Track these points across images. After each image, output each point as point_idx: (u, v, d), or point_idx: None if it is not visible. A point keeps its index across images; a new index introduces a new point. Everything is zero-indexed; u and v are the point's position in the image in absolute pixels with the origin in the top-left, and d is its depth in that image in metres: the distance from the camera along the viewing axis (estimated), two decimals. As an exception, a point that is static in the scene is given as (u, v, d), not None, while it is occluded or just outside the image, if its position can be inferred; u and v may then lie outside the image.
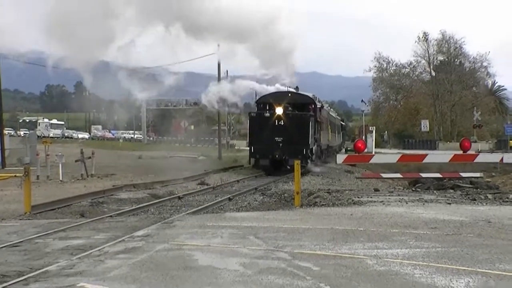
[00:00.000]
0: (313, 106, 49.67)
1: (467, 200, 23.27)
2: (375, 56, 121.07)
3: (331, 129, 64.94)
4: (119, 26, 43.09)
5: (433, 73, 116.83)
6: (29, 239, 15.57)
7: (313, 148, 48.15)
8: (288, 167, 42.84)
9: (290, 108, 47.29)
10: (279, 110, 45.43)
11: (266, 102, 48.48)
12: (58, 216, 21.65)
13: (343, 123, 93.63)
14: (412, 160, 27.46)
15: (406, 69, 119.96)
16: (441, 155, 27.53)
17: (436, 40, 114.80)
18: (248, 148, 48.14)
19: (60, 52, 42.73)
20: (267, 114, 46.21)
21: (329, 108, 69.34)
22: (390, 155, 32.40)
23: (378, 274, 10.98)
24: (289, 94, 49.07)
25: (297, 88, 53.47)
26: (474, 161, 24.24)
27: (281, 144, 45.07)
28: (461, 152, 22.86)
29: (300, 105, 48.61)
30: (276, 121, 45.40)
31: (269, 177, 42.55)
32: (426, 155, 24.74)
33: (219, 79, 70.91)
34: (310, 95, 51.98)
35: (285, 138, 45.00)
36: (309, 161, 45.85)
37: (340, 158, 23.36)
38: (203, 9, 46.56)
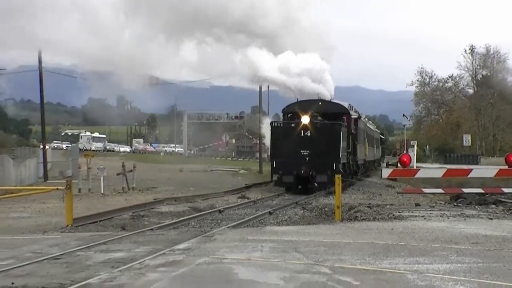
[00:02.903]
0: (347, 116, 45.08)
1: (509, 215, 23.06)
2: (418, 70, 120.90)
3: (369, 143, 59.21)
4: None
5: (476, 88, 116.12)
6: (71, 251, 15.64)
7: (345, 162, 42.82)
8: (316, 185, 39.73)
9: (319, 118, 42.08)
10: (305, 119, 39.93)
11: (292, 111, 43.12)
12: (99, 229, 21.77)
13: (382, 137, 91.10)
14: (457, 175, 27.14)
15: (449, 84, 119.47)
16: (486, 170, 27.23)
17: (480, 54, 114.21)
18: (270, 163, 43.66)
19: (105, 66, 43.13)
20: (292, 124, 40.91)
21: (366, 119, 63.31)
22: (435, 170, 32.17)
23: (419, 290, 10.90)
24: (319, 103, 44.24)
25: None
26: (520, 176, 23.88)
27: (307, 158, 39.66)
28: (505, 167, 22.60)
29: (332, 115, 43.34)
30: (302, 131, 39.87)
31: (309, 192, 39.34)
32: (471, 170, 24.47)
33: (260, 94, 71.24)
34: (345, 104, 47.43)
35: (312, 151, 39.59)
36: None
37: (386, 172, 23.16)
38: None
